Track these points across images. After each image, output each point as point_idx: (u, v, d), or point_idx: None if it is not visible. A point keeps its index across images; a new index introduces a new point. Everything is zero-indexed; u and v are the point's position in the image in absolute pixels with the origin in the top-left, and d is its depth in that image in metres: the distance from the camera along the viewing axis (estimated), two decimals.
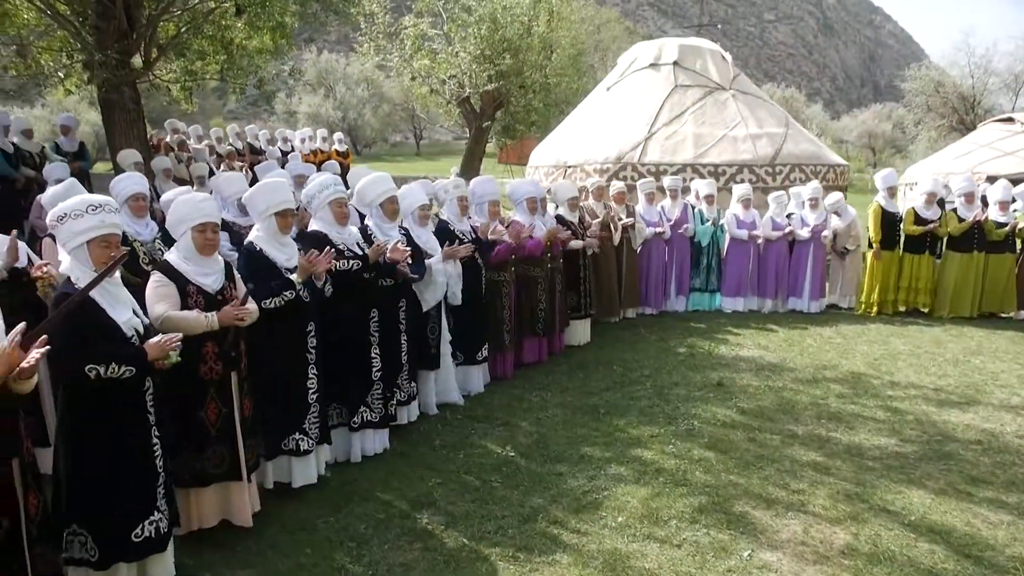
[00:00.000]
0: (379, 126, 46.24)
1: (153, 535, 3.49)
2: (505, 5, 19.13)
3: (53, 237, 5.30)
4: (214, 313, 3.90)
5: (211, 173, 10.92)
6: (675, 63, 14.83)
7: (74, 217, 3.40)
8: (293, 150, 15.22)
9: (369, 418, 5.20)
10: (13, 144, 9.76)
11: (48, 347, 2.87)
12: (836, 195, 10.67)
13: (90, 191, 9.78)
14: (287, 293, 4.45)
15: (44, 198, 5.87)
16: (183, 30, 10.55)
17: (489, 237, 6.53)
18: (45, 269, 4.79)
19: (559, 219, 8.15)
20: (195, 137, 13.54)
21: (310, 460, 4.71)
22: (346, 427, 5.19)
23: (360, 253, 5.11)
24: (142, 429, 3.53)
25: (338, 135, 17.21)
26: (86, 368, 3.24)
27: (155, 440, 3.58)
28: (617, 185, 9.79)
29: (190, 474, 3.97)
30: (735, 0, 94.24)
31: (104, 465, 3.40)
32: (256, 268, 4.45)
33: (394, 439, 5.55)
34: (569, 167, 14.16)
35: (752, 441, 5.72)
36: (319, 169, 10.21)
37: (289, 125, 30.26)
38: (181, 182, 10.08)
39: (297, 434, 4.61)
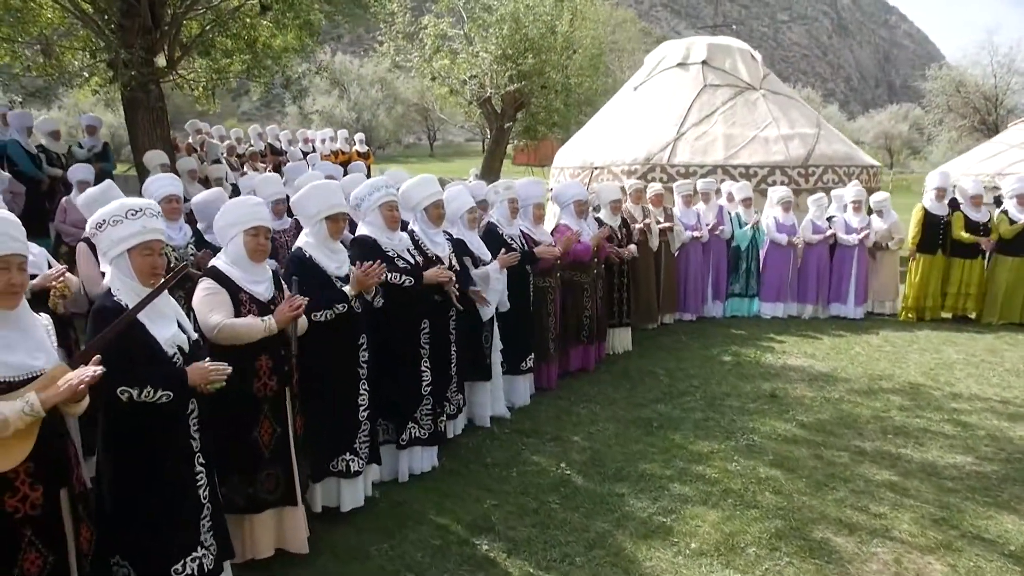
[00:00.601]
0: (393, 127, 46.07)
1: (196, 572, 3.17)
2: (528, 4, 18.83)
3: (88, 242, 5.07)
4: (270, 316, 3.64)
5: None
6: (704, 62, 14.55)
7: (113, 223, 3.09)
8: (314, 150, 14.97)
9: (418, 435, 4.91)
10: (40, 146, 9.55)
11: (102, 368, 2.61)
12: (882, 195, 10.34)
13: None
14: (338, 306, 4.16)
15: (79, 202, 5.61)
16: (208, 28, 10.31)
17: (537, 251, 6.23)
18: (61, 278, 4.48)
19: (599, 222, 7.85)
20: (218, 137, 13.32)
21: (359, 482, 4.43)
22: (393, 444, 4.89)
23: (412, 261, 4.82)
24: (184, 456, 3.20)
25: (359, 136, 16.97)
26: (117, 390, 2.94)
27: (199, 468, 3.26)
28: (655, 187, 9.48)
29: (243, 499, 3.68)
30: (748, 1, 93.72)
31: (142, 493, 3.10)
32: (305, 277, 4.16)
33: (443, 456, 5.25)
34: (596, 168, 13.87)
35: (819, 458, 5.41)
36: (345, 171, 9.99)
37: (303, 126, 30.06)
38: (206, 183, 9.85)
39: (347, 454, 4.32)
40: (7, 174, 8.02)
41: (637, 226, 8.55)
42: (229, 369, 3.18)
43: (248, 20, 10.54)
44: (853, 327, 9.57)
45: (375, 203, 4.74)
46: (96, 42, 9.66)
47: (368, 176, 10.07)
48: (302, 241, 4.32)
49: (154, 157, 8.94)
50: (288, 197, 5.90)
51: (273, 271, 4.00)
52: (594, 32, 22.26)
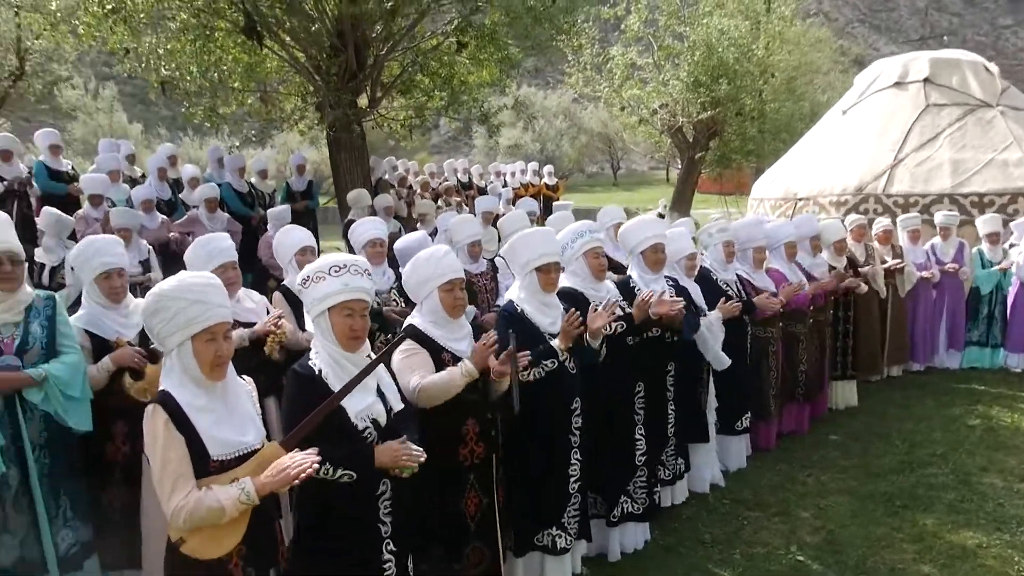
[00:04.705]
0: (576, 157, 46.37)
1: None
2: (721, 29, 18.07)
3: (284, 289, 4.96)
4: (466, 360, 3.32)
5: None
6: (926, 80, 13.09)
7: (316, 280, 2.87)
8: (506, 184, 15.03)
9: (630, 509, 4.40)
10: (251, 183, 10.11)
11: (319, 458, 2.47)
12: None
13: (315, 227, 9.99)
14: (547, 363, 3.74)
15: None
16: (408, 68, 10.58)
17: (756, 301, 5.57)
18: (279, 322, 4.34)
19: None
20: (412, 174, 13.66)
21: (566, 559, 4.00)
22: (603, 520, 4.43)
23: (622, 314, 4.36)
24: (370, 542, 2.90)
25: (548, 168, 16.85)
26: None
27: (387, 556, 2.94)
28: (882, 222, 8.47)
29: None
30: (962, 8, 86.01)
31: None
32: (517, 335, 3.81)
33: (654, 528, 4.72)
34: (800, 200, 12.85)
35: None
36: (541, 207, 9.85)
37: (490, 159, 30.75)
38: (399, 219, 10.05)
39: (554, 529, 3.89)
40: (226, 214, 8.49)
41: (863, 270, 7.62)
42: (423, 457, 2.85)
43: (446, 58, 10.70)
44: None
45: (579, 250, 4.31)
46: (306, 87, 10.16)
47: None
48: (513, 294, 4.00)
49: (359, 198, 9.14)
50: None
51: (473, 325, 3.70)
52: (791, 54, 21.01)
